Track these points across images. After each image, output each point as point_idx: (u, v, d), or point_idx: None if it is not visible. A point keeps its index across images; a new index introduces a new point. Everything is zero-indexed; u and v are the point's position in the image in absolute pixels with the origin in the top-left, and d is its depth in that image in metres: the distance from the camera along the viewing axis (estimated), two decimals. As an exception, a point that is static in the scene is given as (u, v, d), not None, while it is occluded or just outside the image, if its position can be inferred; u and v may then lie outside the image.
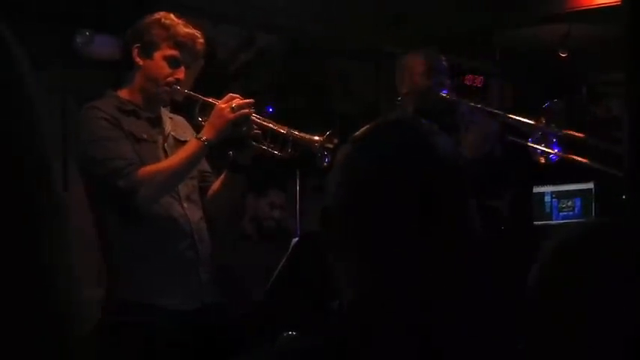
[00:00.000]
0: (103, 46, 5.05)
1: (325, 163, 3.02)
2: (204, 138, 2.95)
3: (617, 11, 4.99)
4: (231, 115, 2.97)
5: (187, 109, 3.18)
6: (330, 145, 3.01)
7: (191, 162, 2.98)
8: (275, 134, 3.09)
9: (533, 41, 6.04)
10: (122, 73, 3.11)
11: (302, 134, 3.06)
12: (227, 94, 3.07)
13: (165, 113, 3.19)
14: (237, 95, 3.04)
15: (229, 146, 3.09)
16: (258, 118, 3.05)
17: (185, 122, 3.21)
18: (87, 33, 4.90)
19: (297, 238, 3.57)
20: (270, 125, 3.08)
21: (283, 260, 3.41)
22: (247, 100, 3.02)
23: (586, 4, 5.28)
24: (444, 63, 3.94)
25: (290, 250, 3.43)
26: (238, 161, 3.10)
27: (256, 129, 3.05)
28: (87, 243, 3.22)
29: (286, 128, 3.07)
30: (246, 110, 2.99)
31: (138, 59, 3.04)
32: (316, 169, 3.04)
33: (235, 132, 3.00)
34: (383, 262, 1.23)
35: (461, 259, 1.25)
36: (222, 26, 5.43)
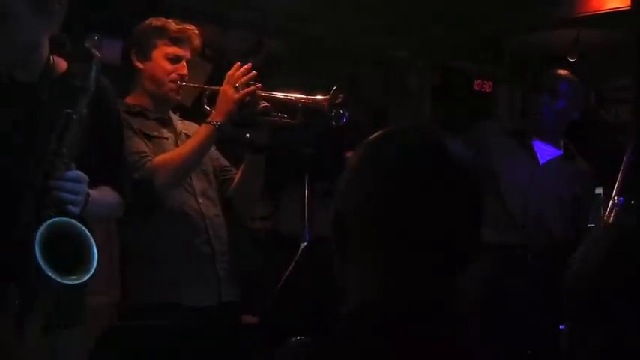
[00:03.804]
0: (111, 51, 5.06)
1: (343, 122, 3.01)
2: (214, 122, 2.96)
3: (626, 16, 4.98)
4: (237, 95, 2.97)
5: (199, 115, 3.19)
6: (339, 101, 3.00)
7: (203, 146, 2.98)
8: (284, 104, 3.08)
9: (542, 46, 6.03)
10: (127, 81, 3.13)
11: (310, 97, 3.05)
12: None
13: (175, 117, 3.21)
14: (239, 69, 3.03)
15: (243, 129, 3.10)
16: (265, 92, 3.05)
17: (197, 126, 3.22)
18: (96, 37, 4.90)
19: (305, 243, 3.56)
20: (278, 95, 3.07)
21: (292, 264, 3.41)
22: (250, 75, 3.02)
23: (595, 9, 5.26)
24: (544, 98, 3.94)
25: (299, 254, 3.42)
26: (256, 141, 3.10)
27: (264, 103, 3.05)
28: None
29: (294, 95, 3.07)
30: (251, 87, 2.99)
31: (138, 63, 3.07)
32: (325, 174, 3.03)
33: (244, 111, 3.01)
34: (394, 266, 1.22)
35: (469, 264, 1.25)
36: (231, 31, 5.43)
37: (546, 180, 3.91)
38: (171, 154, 2.97)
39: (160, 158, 2.93)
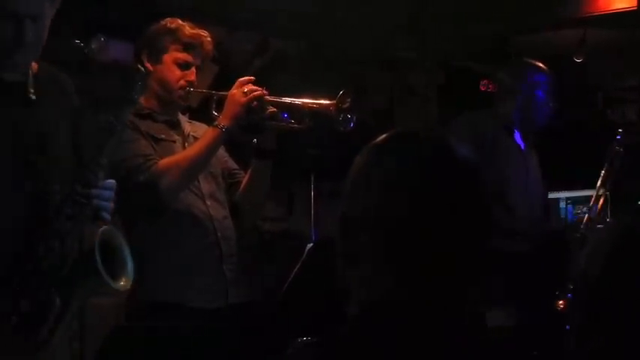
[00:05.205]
0: (117, 52, 5.07)
1: (350, 127, 3.00)
2: (220, 125, 2.96)
3: (633, 16, 4.97)
4: (244, 99, 2.97)
5: (206, 115, 3.19)
6: (346, 106, 2.99)
7: (209, 149, 2.99)
8: (291, 109, 3.08)
9: (549, 47, 6.02)
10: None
11: (316, 102, 3.05)
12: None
13: (184, 119, 3.21)
14: (248, 78, 3.04)
15: (251, 134, 3.10)
16: (272, 97, 3.05)
17: (206, 127, 3.22)
18: (102, 39, 4.91)
19: (311, 244, 3.56)
20: (285, 100, 3.08)
21: (298, 265, 3.41)
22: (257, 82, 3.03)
23: (602, 9, 5.26)
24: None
25: (305, 255, 3.42)
26: (263, 146, 3.10)
27: (271, 108, 3.05)
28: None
29: (301, 100, 3.07)
30: (258, 92, 2.99)
31: (148, 65, 3.06)
32: (330, 174, 3.03)
33: (252, 116, 3.00)
34: (399, 269, 1.22)
35: (477, 265, 1.25)
36: (237, 32, 5.43)
37: (534, 177, 3.86)
38: (177, 157, 2.98)
39: (166, 161, 2.93)
